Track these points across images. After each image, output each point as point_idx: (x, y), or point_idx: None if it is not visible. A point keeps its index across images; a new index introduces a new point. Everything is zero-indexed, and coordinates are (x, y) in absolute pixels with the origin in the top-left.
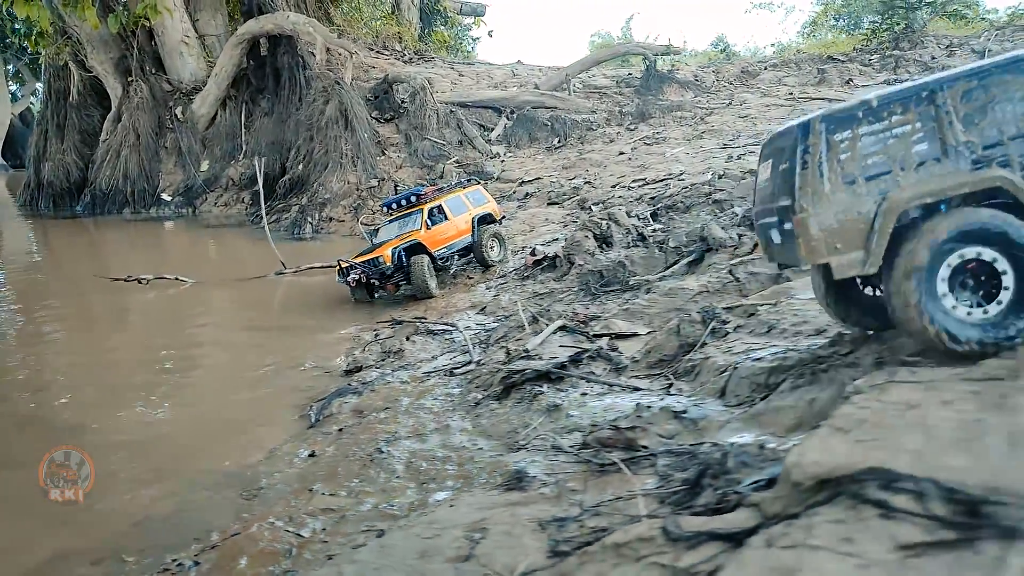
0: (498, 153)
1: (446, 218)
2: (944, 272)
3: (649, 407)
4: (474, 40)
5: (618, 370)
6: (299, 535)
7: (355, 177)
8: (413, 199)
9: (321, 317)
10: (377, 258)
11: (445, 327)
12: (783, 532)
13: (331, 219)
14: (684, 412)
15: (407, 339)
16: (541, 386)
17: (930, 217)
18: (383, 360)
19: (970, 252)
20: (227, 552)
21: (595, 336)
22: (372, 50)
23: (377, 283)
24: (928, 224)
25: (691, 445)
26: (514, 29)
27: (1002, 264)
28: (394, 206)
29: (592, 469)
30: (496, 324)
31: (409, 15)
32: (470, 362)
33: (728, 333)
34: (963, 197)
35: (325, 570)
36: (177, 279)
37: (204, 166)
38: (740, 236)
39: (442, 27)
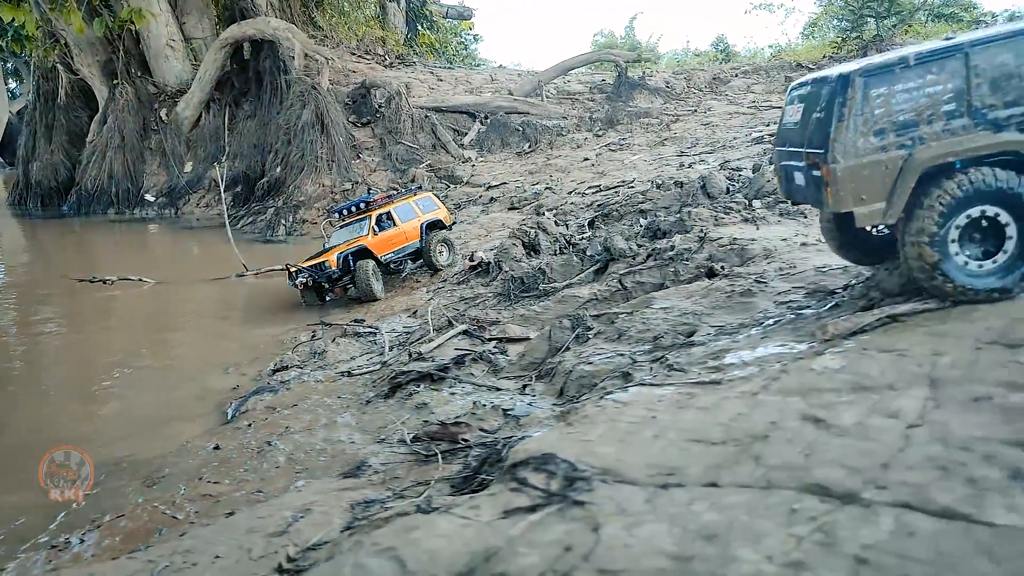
0: (470, 158)
1: (394, 224)
2: (956, 226)
3: (484, 405)
4: (475, 39)
5: (496, 371)
6: (175, 517)
7: (329, 180)
8: (362, 206)
9: (267, 318)
10: (323, 262)
11: (369, 329)
12: (459, 503)
13: (304, 221)
14: (511, 410)
15: (333, 341)
16: (419, 386)
17: (949, 174)
18: (308, 360)
19: (983, 210)
20: (107, 531)
21: (490, 339)
22: (354, 54)
23: (326, 286)
24: (947, 182)
25: (504, 438)
26: (517, 27)
27: (1008, 221)
28: (345, 212)
29: (418, 459)
30: (417, 327)
31: (395, 19)
32: (381, 364)
33: (589, 339)
34: (980, 157)
35: (171, 544)
36: (140, 280)
37: (187, 167)
38: (640, 247)
39: (428, 31)
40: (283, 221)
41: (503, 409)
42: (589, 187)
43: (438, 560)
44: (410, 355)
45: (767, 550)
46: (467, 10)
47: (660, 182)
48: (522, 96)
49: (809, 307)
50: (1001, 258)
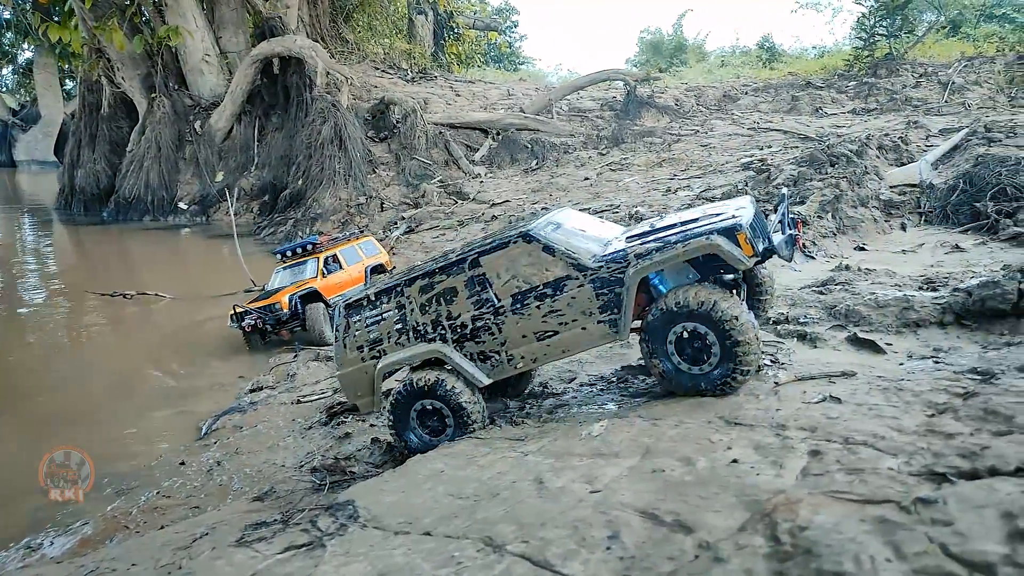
0: (479, 174)
1: (340, 267)
2: (413, 414)
3: (379, 440)
4: (519, 38)
5: None
6: (126, 527)
7: (346, 194)
8: (309, 247)
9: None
10: (274, 304)
11: None
12: (264, 538)
13: (320, 233)
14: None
15: (306, 364)
16: (348, 417)
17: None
18: (280, 382)
19: (425, 403)
20: (73, 536)
21: None
22: (378, 69)
23: (270, 329)
24: (398, 383)
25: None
26: (564, 25)
27: (444, 408)
28: (288, 253)
29: (315, 487)
30: None
31: (422, 32)
32: (334, 391)
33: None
34: (424, 361)
35: (106, 551)
36: (156, 295)
37: (219, 177)
38: None
39: (455, 42)
40: (300, 233)
41: (392, 445)
42: (580, 210)
43: None
44: None
45: None
46: (494, 22)
47: (633, 212)
48: (533, 113)
49: None
50: (446, 434)
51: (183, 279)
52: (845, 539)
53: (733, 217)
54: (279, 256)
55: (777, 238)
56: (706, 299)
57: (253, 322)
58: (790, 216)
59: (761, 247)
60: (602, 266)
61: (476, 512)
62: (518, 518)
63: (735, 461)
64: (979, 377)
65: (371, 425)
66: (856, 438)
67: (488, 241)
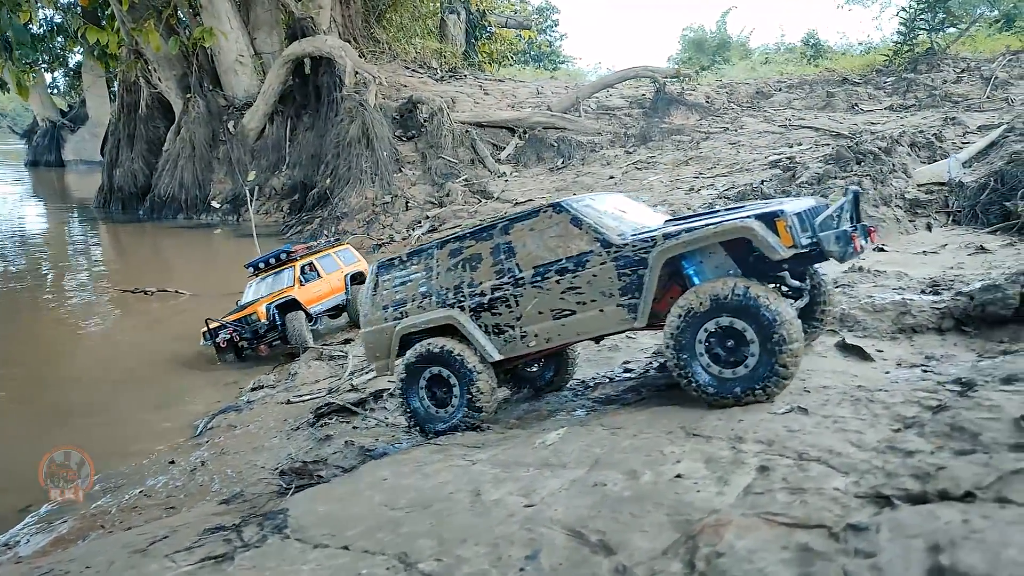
0: (505, 173)
1: (318, 275)
2: (422, 382)
3: (353, 443)
4: (559, 38)
5: None
6: (102, 526)
7: (372, 193)
8: (283, 257)
9: None
10: (250, 315)
11: (341, 354)
12: (189, 546)
13: (345, 232)
14: (372, 451)
15: (307, 364)
16: (333, 418)
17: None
18: (281, 381)
19: (439, 370)
20: (49, 534)
21: None
22: (408, 68)
23: (247, 344)
24: (414, 346)
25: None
26: (605, 24)
27: (454, 380)
28: (262, 265)
29: (280, 491)
30: None
31: (454, 31)
32: (327, 391)
33: None
34: (435, 328)
35: (69, 552)
36: (176, 292)
37: (251, 176)
38: None
39: (487, 41)
40: (326, 232)
41: (366, 449)
42: None
43: None
44: (353, 385)
45: None
46: (528, 20)
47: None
48: (561, 111)
49: (633, 371)
50: (451, 408)
51: (208, 277)
52: (755, 570)
53: (779, 205)
54: (251, 269)
55: (828, 233)
56: (746, 289)
57: (228, 336)
58: (854, 217)
59: (805, 240)
60: (627, 244)
61: (402, 525)
62: (441, 533)
63: (679, 476)
64: (958, 388)
65: (353, 428)
66: (811, 453)
67: (522, 211)
